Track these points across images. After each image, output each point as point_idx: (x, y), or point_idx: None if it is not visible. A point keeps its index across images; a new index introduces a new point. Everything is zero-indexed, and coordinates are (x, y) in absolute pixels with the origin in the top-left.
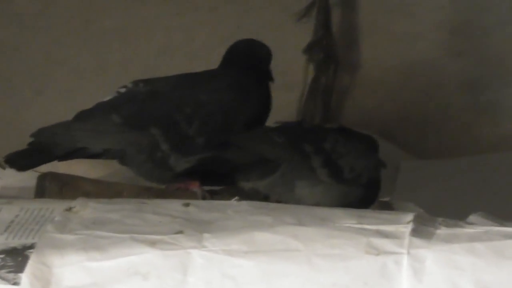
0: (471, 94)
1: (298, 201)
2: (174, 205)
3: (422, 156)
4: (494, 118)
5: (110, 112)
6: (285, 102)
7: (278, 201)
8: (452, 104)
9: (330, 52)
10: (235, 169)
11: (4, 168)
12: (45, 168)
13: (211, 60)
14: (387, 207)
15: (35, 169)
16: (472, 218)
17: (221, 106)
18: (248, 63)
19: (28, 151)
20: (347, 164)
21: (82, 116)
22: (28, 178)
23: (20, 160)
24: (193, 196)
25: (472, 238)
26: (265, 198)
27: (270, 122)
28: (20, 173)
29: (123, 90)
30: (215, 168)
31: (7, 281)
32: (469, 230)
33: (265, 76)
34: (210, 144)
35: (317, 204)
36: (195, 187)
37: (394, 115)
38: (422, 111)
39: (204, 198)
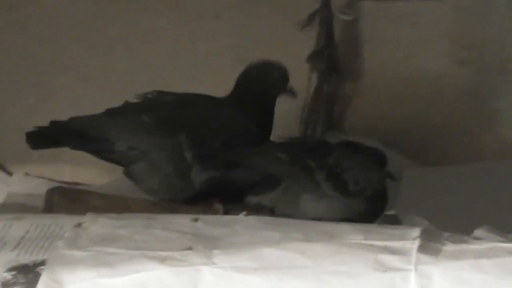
0: (474, 102)
1: (303, 215)
2: (183, 221)
3: (425, 164)
4: (497, 126)
5: (141, 112)
6: (288, 111)
7: (284, 215)
8: (456, 112)
9: (332, 61)
10: (243, 187)
11: (11, 174)
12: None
13: (215, 67)
14: (393, 220)
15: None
16: (477, 232)
17: (239, 130)
18: (261, 88)
19: (52, 131)
20: (351, 177)
21: (113, 113)
22: (35, 186)
23: (40, 138)
24: (200, 212)
25: (479, 255)
26: (271, 212)
27: (274, 131)
28: (28, 180)
29: (148, 95)
30: (224, 188)
31: None
32: (475, 246)
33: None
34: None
35: (322, 217)
36: (217, 204)
37: (397, 123)
38: (426, 119)
39: (226, 213)
